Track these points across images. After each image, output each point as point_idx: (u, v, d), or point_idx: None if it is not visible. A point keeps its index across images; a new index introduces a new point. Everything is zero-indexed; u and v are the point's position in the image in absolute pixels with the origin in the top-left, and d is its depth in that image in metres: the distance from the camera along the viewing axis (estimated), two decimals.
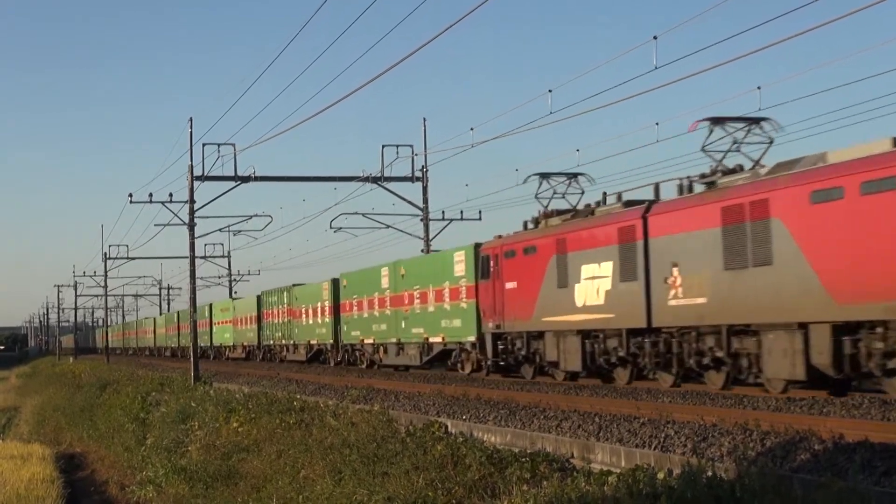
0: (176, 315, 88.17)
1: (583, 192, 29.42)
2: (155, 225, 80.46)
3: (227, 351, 70.71)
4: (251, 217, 52.23)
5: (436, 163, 65.45)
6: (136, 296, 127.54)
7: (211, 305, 75.31)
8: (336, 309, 45.92)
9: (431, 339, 35.54)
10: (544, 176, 29.69)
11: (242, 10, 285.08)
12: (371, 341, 41.41)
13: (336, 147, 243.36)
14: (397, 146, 42.67)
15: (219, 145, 39.90)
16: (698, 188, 22.57)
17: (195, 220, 41.52)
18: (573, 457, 14.29)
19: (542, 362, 28.11)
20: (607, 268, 24.60)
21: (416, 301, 36.81)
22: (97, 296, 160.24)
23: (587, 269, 25.42)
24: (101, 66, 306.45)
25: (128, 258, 77.95)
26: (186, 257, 43.36)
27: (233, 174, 40.34)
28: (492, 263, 30.17)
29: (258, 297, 60.52)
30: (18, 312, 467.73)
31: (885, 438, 12.45)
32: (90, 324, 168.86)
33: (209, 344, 74.89)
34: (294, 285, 53.84)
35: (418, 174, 43.72)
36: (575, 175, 29.62)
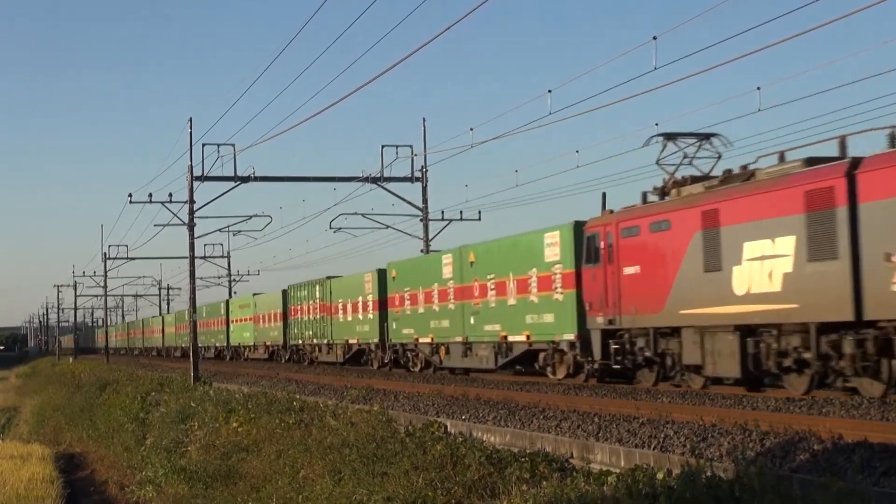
0: (186, 313, 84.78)
1: (719, 157, 24.78)
2: (155, 225, 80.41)
3: (246, 351, 65.74)
4: (251, 217, 52.19)
5: (435, 163, 65.59)
6: (135, 296, 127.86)
7: (228, 302, 71.56)
8: (382, 303, 40.69)
9: (512, 338, 30.29)
10: (670, 137, 24.99)
11: (242, 11, 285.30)
12: (428, 340, 36.08)
13: (336, 147, 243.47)
14: (397, 146, 42.76)
15: (218, 145, 39.95)
16: None
17: (195, 220, 41.54)
18: (572, 457, 14.30)
19: (677, 366, 23.02)
20: (786, 244, 19.48)
21: (491, 293, 31.46)
22: (97, 296, 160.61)
23: (752, 248, 20.31)
24: (100, 66, 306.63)
25: (127, 258, 77.90)
26: (186, 257, 43.39)
27: (232, 174, 40.36)
28: (602, 244, 25.00)
29: (284, 292, 55.94)
30: (18, 312, 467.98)
31: (884, 439, 12.45)
32: (90, 324, 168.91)
33: (225, 344, 70.61)
34: (329, 277, 48.58)
35: (418, 174, 43.78)
36: (708, 136, 24.99)
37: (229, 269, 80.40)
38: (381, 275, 41.16)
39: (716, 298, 21.22)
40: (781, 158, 20.60)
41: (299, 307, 52.43)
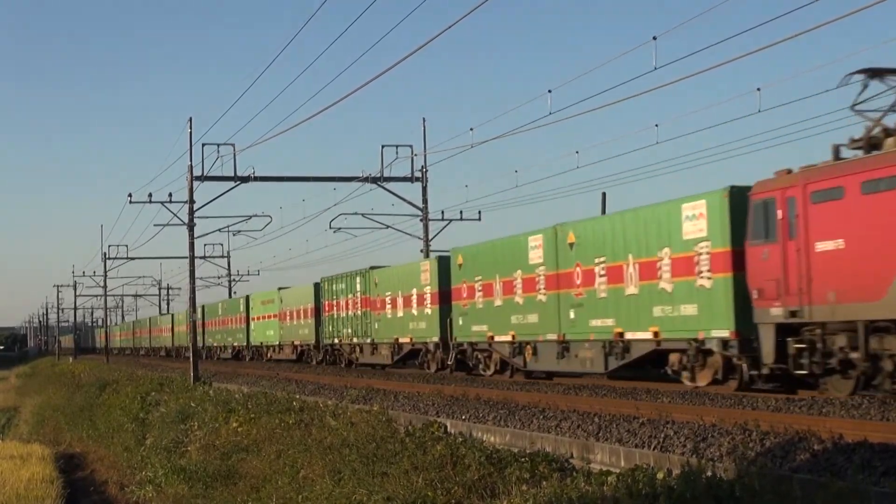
0: (201, 310, 73.39)
1: None
2: (154, 225, 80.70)
3: (269, 352, 59.11)
4: (251, 217, 52.25)
5: (435, 163, 65.55)
6: (135, 296, 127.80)
7: (248, 297, 64.99)
8: (444, 296, 35.09)
9: (630, 335, 24.93)
10: (875, 73, 19.45)
11: (242, 11, 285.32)
12: (508, 338, 30.46)
13: (336, 147, 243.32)
14: (397, 146, 42.75)
15: (218, 145, 40.00)
16: None
17: (195, 220, 41.61)
18: (572, 457, 14.30)
19: None
20: None
21: (600, 280, 26.00)
22: (97, 296, 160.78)
23: None
24: (100, 66, 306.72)
25: (127, 258, 77.97)
26: (186, 257, 43.45)
27: (232, 174, 40.39)
28: (779, 214, 19.61)
29: (316, 286, 49.68)
30: (18, 312, 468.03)
31: (884, 439, 12.46)
32: (90, 324, 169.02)
33: (245, 343, 64.97)
34: (372, 267, 42.49)
35: (418, 174, 43.80)
36: None
37: (229, 269, 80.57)
38: (443, 262, 35.56)
39: None
40: None
41: (335, 302, 46.23)
